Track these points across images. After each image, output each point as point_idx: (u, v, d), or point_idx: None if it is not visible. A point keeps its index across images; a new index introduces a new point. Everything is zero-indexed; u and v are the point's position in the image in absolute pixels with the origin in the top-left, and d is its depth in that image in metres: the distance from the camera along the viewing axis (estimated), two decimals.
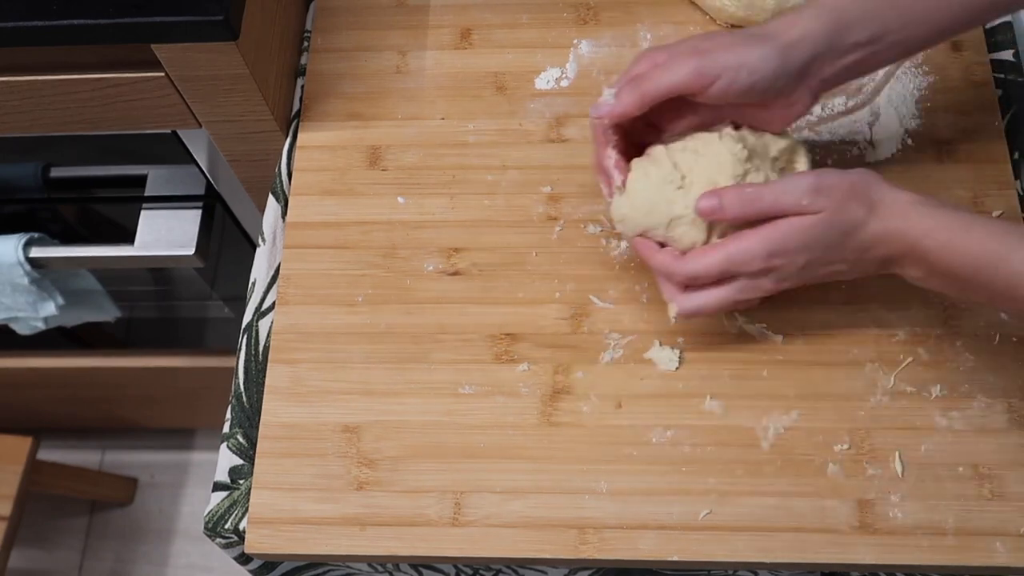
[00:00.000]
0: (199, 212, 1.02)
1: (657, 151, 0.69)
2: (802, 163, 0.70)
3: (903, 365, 0.73)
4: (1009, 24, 0.86)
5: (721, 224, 0.67)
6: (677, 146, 0.69)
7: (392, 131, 0.85)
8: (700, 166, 0.68)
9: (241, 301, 0.82)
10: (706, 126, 0.70)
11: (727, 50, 0.64)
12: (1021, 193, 0.79)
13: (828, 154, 0.81)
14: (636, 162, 0.70)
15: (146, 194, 1.02)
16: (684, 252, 0.68)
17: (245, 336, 0.80)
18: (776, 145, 0.69)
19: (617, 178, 0.70)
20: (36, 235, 1.05)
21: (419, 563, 0.76)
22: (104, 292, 1.18)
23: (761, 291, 0.66)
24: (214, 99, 0.82)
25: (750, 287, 0.66)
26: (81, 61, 0.79)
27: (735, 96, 0.65)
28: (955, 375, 0.72)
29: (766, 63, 0.64)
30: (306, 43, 0.91)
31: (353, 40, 0.89)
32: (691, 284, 0.67)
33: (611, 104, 0.67)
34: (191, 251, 1.01)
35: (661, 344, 0.74)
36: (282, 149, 0.86)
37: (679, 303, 0.68)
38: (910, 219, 0.62)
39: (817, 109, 0.83)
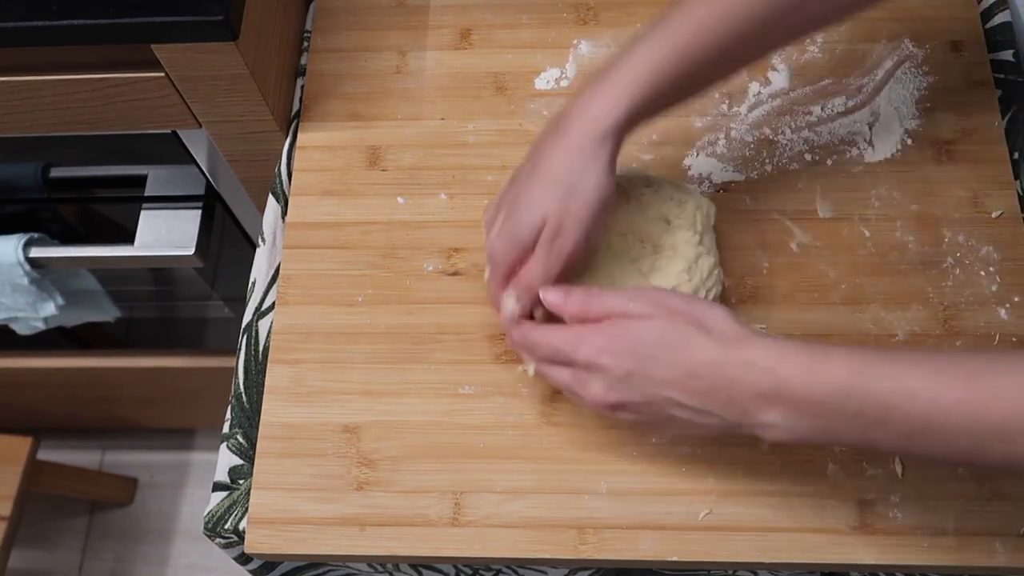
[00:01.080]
0: (199, 212, 1.02)
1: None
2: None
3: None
4: (1009, 24, 0.86)
5: None
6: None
7: (392, 131, 0.85)
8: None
9: (241, 301, 0.82)
10: None
11: (527, 199, 0.65)
12: (1021, 193, 0.79)
13: (828, 154, 0.81)
14: None
15: (146, 194, 1.02)
16: None
17: (245, 336, 0.80)
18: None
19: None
20: (36, 235, 1.05)
21: (419, 563, 0.76)
22: (104, 292, 1.18)
23: (588, 392, 0.62)
24: (214, 99, 0.82)
25: (578, 381, 0.63)
26: (81, 61, 0.79)
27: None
28: None
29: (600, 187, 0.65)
30: (306, 43, 0.91)
31: (353, 40, 0.89)
32: (530, 351, 0.66)
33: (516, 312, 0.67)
34: (191, 251, 1.01)
35: None
36: (282, 149, 0.86)
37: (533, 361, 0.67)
38: (763, 347, 0.57)
39: (817, 109, 0.83)
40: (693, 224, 0.72)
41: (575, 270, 0.68)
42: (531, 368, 0.67)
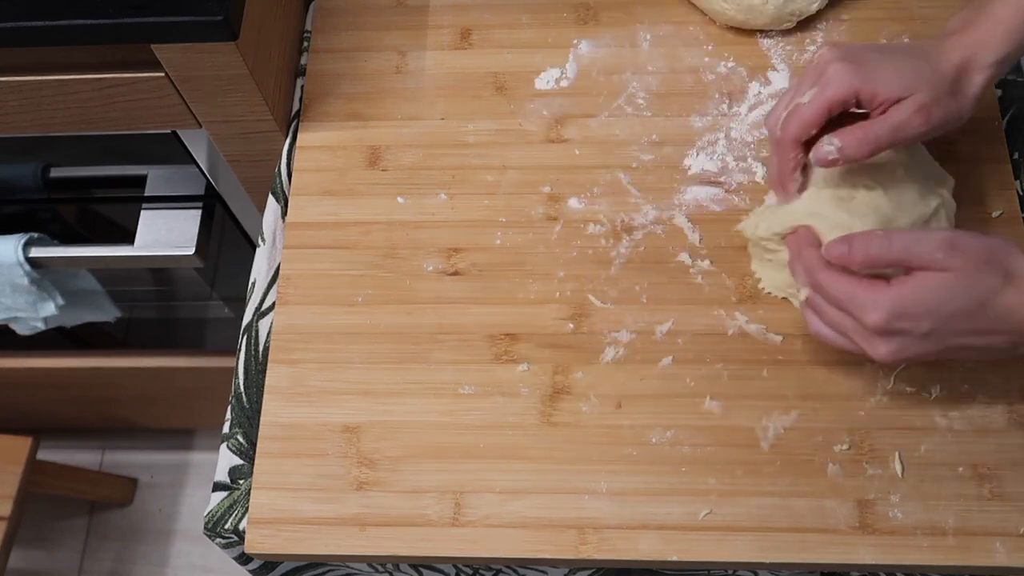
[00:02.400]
0: (199, 212, 1.02)
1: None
2: (943, 222, 0.71)
3: (903, 365, 0.73)
4: None
5: None
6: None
7: (392, 131, 0.85)
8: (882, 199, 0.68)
9: (241, 301, 0.82)
10: None
11: (943, 111, 0.65)
12: (1021, 193, 0.79)
13: None
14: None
15: (146, 194, 1.02)
16: None
17: (245, 336, 0.80)
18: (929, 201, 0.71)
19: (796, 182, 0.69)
20: (36, 235, 1.05)
21: (419, 563, 0.76)
22: (104, 292, 1.18)
23: (875, 351, 0.62)
24: (214, 99, 0.82)
25: (861, 339, 0.62)
26: (81, 61, 0.79)
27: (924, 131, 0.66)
28: (955, 375, 0.72)
29: (961, 121, 0.66)
30: (306, 43, 0.91)
31: (353, 40, 0.89)
32: (815, 289, 0.64)
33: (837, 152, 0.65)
34: (191, 251, 1.01)
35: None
36: (282, 149, 0.86)
37: (809, 293, 0.65)
38: None
39: None
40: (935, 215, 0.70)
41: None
42: (804, 293, 0.65)
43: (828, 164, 0.65)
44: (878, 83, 0.64)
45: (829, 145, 0.64)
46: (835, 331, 0.64)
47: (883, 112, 0.65)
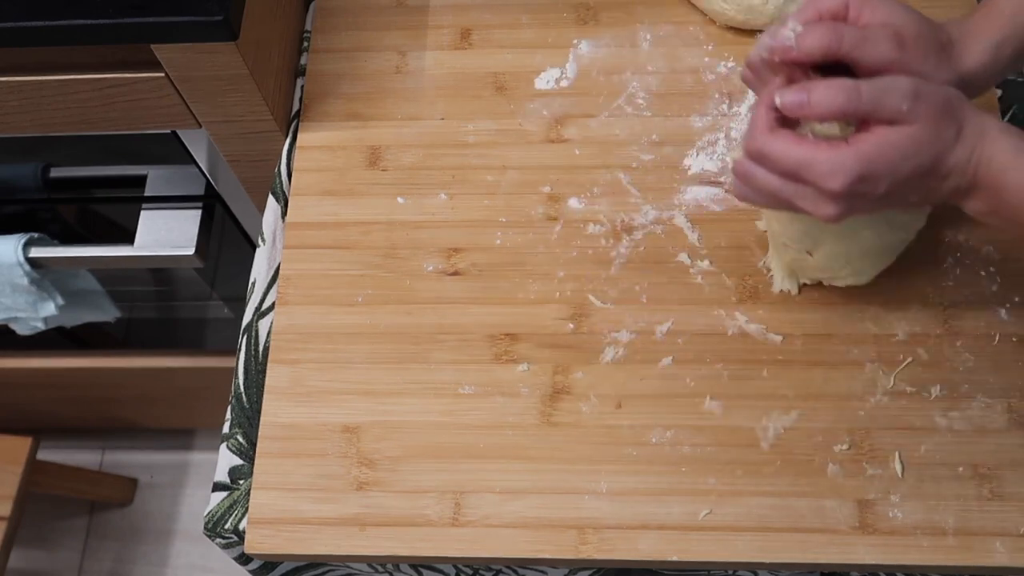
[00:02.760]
0: (199, 212, 1.02)
1: None
2: None
3: (903, 365, 0.73)
4: None
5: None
6: None
7: (392, 131, 0.85)
8: None
9: (241, 301, 0.82)
10: None
11: (920, 55, 0.60)
12: None
13: None
14: None
15: (146, 194, 1.02)
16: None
17: (245, 336, 0.80)
18: None
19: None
20: (36, 235, 1.05)
21: (419, 563, 0.76)
22: (104, 292, 1.18)
23: (822, 211, 0.58)
24: (214, 99, 0.82)
25: (808, 203, 0.59)
26: (81, 61, 0.79)
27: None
28: (955, 375, 0.72)
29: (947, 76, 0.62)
30: (306, 43, 0.91)
31: (353, 40, 0.89)
32: (756, 159, 0.60)
33: (791, 43, 0.59)
34: (191, 251, 1.01)
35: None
36: (282, 149, 0.86)
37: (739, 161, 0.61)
38: (996, 149, 0.57)
39: None
40: None
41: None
42: (734, 155, 0.61)
43: (784, 53, 0.59)
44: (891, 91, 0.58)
45: (790, 30, 0.59)
46: (770, 196, 0.60)
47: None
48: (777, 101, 0.58)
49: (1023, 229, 0.59)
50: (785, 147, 0.58)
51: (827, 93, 0.56)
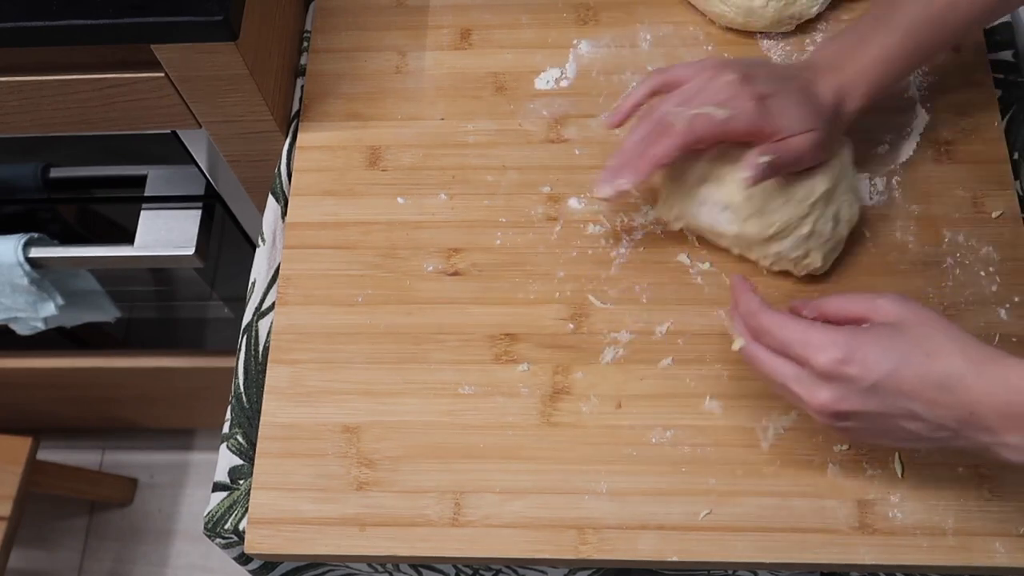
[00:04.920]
0: (199, 212, 1.02)
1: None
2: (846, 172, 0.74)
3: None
4: (1009, 24, 0.86)
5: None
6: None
7: (392, 131, 0.85)
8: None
9: (241, 301, 0.82)
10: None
11: (830, 141, 0.70)
12: (1021, 193, 0.79)
13: None
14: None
15: (146, 194, 1.02)
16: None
17: (245, 336, 0.80)
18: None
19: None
20: (36, 235, 1.05)
21: (419, 563, 0.76)
22: (104, 292, 1.18)
23: (815, 398, 0.59)
24: (214, 99, 0.82)
25: (802, 386, 0.59)
26: (81, 61, 0.79)
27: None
28: None
29: (828, 136, 0.69)
30: (306, 43, 0.91)
31: (353, 40, 0.89)
32: (755, 335, 0.63)
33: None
34: (191, 251, 1.01)
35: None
36: (282, 149, 0.86)
37: (746, 341, 0.64)
38: (1009, 366, 0.55)
39: None
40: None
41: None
42: (739, 343, 0.63)
43: (759, 176, 0.68)
44: (781, 123, 0.67)
45: (760, 158, 0.67)
46: (773, 378, 0.62)
47: (787, 143, 0.68)
48: (766, 318, 0.62)
49: None
50: (782, 321, 0.61)
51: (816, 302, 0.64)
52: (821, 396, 0.58)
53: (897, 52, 0.69)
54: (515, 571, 0.77)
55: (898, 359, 0.57)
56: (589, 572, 0.75)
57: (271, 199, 0.85)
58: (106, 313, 1.22)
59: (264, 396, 0.76)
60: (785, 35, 0.86)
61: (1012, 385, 0.54)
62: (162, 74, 0.79)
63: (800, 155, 0.69)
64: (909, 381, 0.57)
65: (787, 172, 0.70)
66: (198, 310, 1.30)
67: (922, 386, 0.56)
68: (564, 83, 0.86)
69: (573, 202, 0.81)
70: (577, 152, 0.82)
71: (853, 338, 0.58)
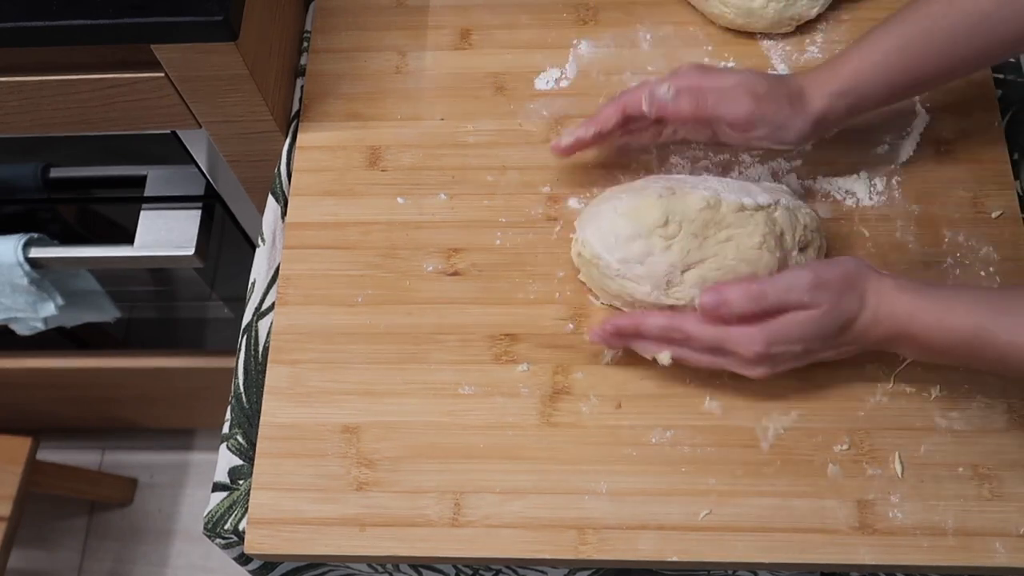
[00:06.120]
0: (199, 212, 1.02)
1: (654, 190, 0.72)
2: (815, 246, 0.74)
3: (903, 365, 0.73)
4: None
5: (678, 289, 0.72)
6: (695, 201, 0.71)
7: (392, 131, 0.85)
8: (724, 245, 0.71)
9: (241, 301, 0.82)
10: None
11: (775, 106, 0.72)
12: (1021, 193, 0.79)
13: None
14: (630, 187, 0.74)
15: (146, 194, 1.02)
16: (626, 304, 0.74)
17: (245, 336, 0.80)
18: (800, 223, 0.73)
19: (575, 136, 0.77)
20: (36, 235, 1.05)
21: (419, 563, 0.76)
22: (104, 292, 1.18)
23: (748, 374, 0.69)
24: (214, 99, 0.82)
25: (739, 367, 0.69)
26: (81, 61, 0.79)
27: (758, 144, 0.75)
28: (955, 375, 0.72)
29: (800, 134, 0.73)
30: (306, 43, 0.91)
31: (353, 40, 0.89)
32: (675, 340, 0.69)
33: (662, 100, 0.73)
34: (191, 251, 1.01)
35: None
36: (282, 149, 0.86)
37: (669, 352, 0.70)
38: (896, 304, 0.65)
39: None
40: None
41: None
42: (665, 358, 0.70)
43: (660, 109, 0.73)
44: (729, 108, 0.72)
45: (663, 87, 0.73)
46: (710, 368, 0.70)
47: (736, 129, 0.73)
48: (697, 303, 0.68)
49: (945, 359, 0.68)
50: (702, 329, 0.68)
51: (739, 300, 0.66)
52: (757, 371, 0.69)
53: (878, 65, 0.71)
54: (515, 571, 0.77)
55: (817, 335, 0.67)
56: (589, 572, 0.75)
57: (271, 199, 0.85)
58: (106, 313, 1.22)
59: (264, 396, 0.76)
60: (785, 36, 0.86)
61: (896, 321, 0.66)
62: (162, 74, 0.79)
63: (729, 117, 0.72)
64: (827, 345, 0.68)
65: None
66: (198, 310, 1.30)
67: (837, 343, 0.68)
68: (564, 83, 0.86)
69: (573, 202, 0.81)
70: (577, 152, 0.82)
71: (769, 331, 0.66)
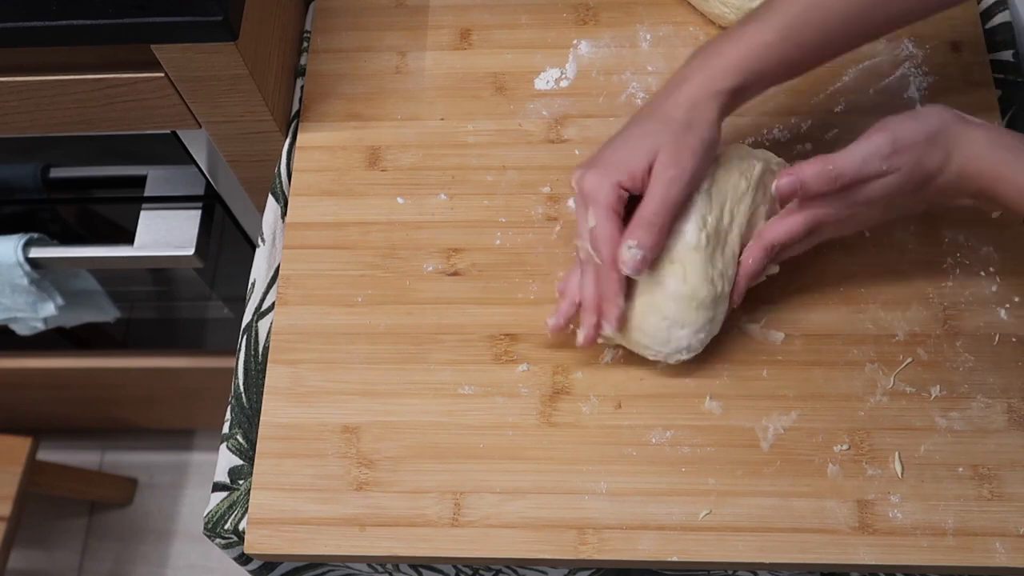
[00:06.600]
0: (199, 212, 1.02)
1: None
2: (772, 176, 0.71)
3: (903, 365, 0.73)
4: (1009, 24, 0.86)
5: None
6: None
7: (391, 131, 0.85)
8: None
9: (241, 301, 0.82)
10: None
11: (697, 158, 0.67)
12: None
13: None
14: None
15: (146, 194, 1.02)
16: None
17: (245, 336, 0.80)
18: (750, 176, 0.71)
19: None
20: (36, 235, 1.05)
21: (419, 563, 0.76)
22: (103, 292, 1.18)
23: (839, 229, 0.68)
24: (214, 99, 0.82)
25: (830, 226, 0.68)
26: (81, 61, 0.79)
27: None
28: (954, 375, 0.72)
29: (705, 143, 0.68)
30: (306, 43, 0.91)
31: (353, 40, 0.89)
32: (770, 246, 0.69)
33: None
34: (191, 251, 1.01)
35: None
36: (282, 149, 0.86)
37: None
38: (984, 162, 0.62)
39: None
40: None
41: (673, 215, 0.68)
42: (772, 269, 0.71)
43: (638, 267, 0.67)
44: (625, 167, 0.67)
45: (629, 249, 0.67)
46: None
47: (649, 184, 0.67)
48: (773, 188, 0.66)
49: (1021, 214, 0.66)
50: (789, 222, 0.68)
51: (816, 183, 0.64)
52: (846, 229, 0.69)
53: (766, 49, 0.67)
54: (515, 571, 0.77)
55: (897, 194, 0.65)
56: (589, 572, 0.75)
57: (271, 199, 0.85)
58: (106, 313, 1.22)
59: (264, 396, 0.76)
60: None
61: (984, 178, 0.63)
62: (162, 74, 0.79)
63: (665, 193, 0.66)
64: (903, 198, 0.66)
65: (679, 203, 0.68)
66: (198, 310, 1.30)
67: (915, 195, 0.66)
68: (564, 83, 0.86)
69: (573, 202, 0.81)
70: (577, 152, 0.82)
71: (851, 199, 0.66)
